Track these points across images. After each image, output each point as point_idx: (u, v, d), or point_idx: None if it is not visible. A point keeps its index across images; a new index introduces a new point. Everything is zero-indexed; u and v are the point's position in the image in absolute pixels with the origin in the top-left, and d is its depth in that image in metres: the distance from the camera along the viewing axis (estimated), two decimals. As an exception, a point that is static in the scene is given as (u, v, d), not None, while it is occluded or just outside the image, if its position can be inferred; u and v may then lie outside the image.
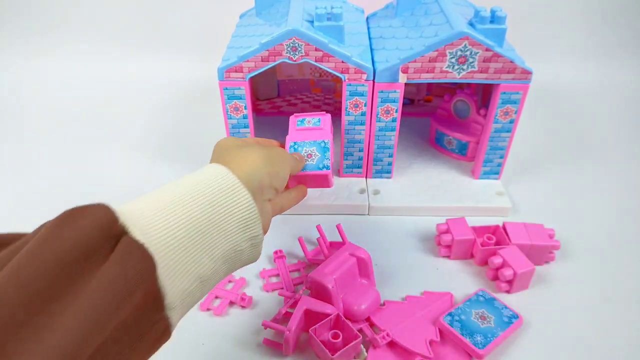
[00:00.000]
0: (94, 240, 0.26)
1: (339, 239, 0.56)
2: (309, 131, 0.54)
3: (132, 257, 0.27)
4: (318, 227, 0.56)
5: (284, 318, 0.47)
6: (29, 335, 0.22)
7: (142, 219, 0.29)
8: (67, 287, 0.24)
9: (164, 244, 0.29)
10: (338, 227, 0.56)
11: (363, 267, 0.50)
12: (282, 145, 0.52)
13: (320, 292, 0.47)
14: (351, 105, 0.58)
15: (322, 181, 0.53)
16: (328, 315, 0.45)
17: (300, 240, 0.56)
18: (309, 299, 0.46)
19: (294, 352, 0.45)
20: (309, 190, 0.54)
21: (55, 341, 0.22)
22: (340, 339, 0.43)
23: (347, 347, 0.42)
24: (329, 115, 0.56)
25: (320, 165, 0.51)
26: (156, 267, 0.28)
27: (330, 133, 0.54)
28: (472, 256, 0.56)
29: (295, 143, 0.53)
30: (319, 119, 0.56)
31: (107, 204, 0.28)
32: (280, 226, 0.59)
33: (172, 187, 0.33)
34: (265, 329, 0.47)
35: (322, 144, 0.53)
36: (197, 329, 0.48)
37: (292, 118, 0.56)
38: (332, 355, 0.42)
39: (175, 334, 0.48)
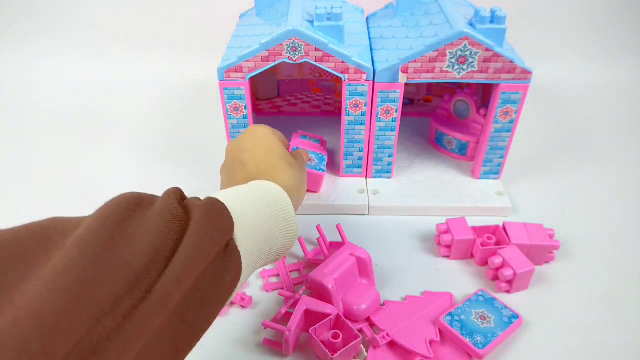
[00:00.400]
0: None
1: (339, 239, 0.56)
2: (310, 144, 0.65)
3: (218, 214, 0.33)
4: (318, 227, 0.56)
5: (284, 318, 0.47)
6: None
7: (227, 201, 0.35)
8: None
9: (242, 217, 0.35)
10: (338, 227, 0.56)
11: (363, 267, 0.50)
12: (306, 154, 0.54)
13: (321, 292, 0.47)
14: (351, 105, 0.58)
15: (315, 182, 0.62)
16: (328, 315, 0.45)
17: (300, 240, 0.56)
18: (309, 299, 0.46)
19: (293, 352, 0.45)
20: (309, 192, 0.60)
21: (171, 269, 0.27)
22: (340, 339, 0.43)
23: (347, 347, 0.42)
24: (325, 142, 0.68)
25: (318, 168, 0.61)
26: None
27: (326, 152, 0.66)
28: (472, 256, 0.56)
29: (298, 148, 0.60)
30: (319, 139, 0.67)
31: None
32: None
33: (242, 191, 0.39)
34: (265, 328, 0.47)
35: (321, 156, 0.64)
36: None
37: (295, 134, 0.66)
38: (332, 355, 0.42)
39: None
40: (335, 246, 0.55)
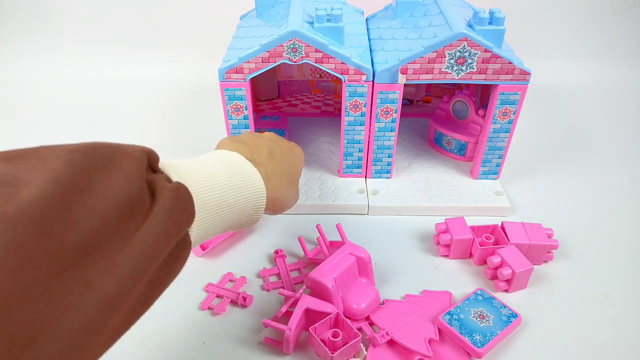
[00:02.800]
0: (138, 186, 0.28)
1: (339, 239, 0.56)
2: (270, 123, 0.75)
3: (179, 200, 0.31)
4: (318, 227, 0.56)
5: (285, 317, 0.48)
6: (104, 260, 0.24)
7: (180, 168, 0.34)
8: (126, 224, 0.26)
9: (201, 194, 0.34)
10: (338, 226, 0.56)
11: (362, 267, 0.50)
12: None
13: (320, 291, 0.47)
14: (351, 106, 0.59)
15: None
16: (328, 314, 0.45)
17: (300, 239, 0.56)
18: (309, 298, 0.46)
19: (294, 350, 0.46)
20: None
21: (124, 266, 0.25)
22: (340, 338, 0.44)
23: (346, 345, 0.42)
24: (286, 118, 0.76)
25: None
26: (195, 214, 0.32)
27: (286, 127, 0.74)
28: (471, 255, 0.56)
29: None
30: (278, 117, 0.76)
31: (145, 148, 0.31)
32: (281, 226, 0.60)
33: (208, 160, 0.38)
34: (266, 327, 0.47)
35: (281, 131, 0.72)
36: (198, 328, 0.48)
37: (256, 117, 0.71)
38: (332, 353, 0.42)
39: (176, 332, 0.48)
40: (335, 245, 0.55)
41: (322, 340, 0.43)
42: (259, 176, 0.40)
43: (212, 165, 0.37)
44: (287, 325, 0.44)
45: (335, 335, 0.44)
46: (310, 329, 0.44)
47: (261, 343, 0.47)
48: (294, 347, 0.45)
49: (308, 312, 0.46)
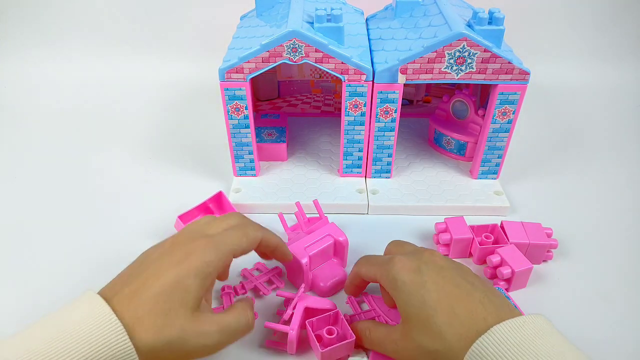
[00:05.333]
0: None
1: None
2: (271, 121, 0.74)
3: None
4: (297, 204, 0.58)
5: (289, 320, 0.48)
6: None
7: None
8: None
9: None
10: (315, 202, 0.58)
11: (339, 249, 0.53)
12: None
13: (293, 265, 0.50)
14: (351, 106, 0.59)
15: (278, 153, 0.69)
16: (327, 310, 0.45)
17: (280, 215, 0.58)
18: (308, 297, 0.47)
19: (297, 350, 0.45)
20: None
21: None
22: (334, 335, 0.43)
23: (338, 344, 0.42)
24: (286, 116, 0.76)
25: (279, 140, 0.69)
26: None
27: (286, 124, 0.74)
28: (470, 255, 0.56)
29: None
30: (278, 115, 0.76)
31: None
32: (281, 227, 0.60)
33: (44, 329, 0.33)
34: (268, 328, 0.47)
35: (281, 129, 0.72)
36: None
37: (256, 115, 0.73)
38: (322, 350, 0.42)
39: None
40: (313, 221, 0.57)
41: (317, 336, 0.44)
42: (118, 330, 0.33)
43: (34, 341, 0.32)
44: (289, 326, 0.44)
45: (330, 332, 0.44)
46: (307, 322, 0.44)
47: (263, 345, 0.46)
48: (297, 347, 0.45)
49: (308, 310, 0.46)
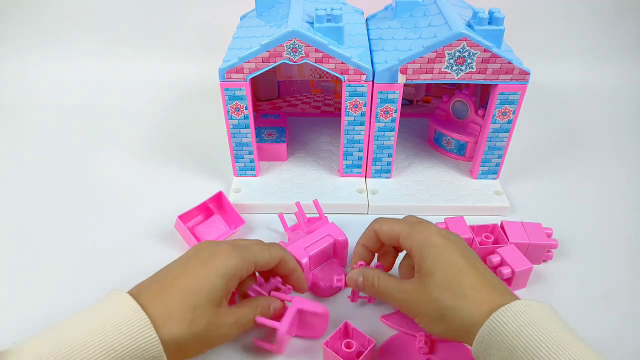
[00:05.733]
0: None
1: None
2: (271, 120, 0.74)
3: None
4: (297, 204, 0.58)
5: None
6: None
7: None
8: None
9: None
10: (315, 202, 0.58)
11: (340, 249, 0.52)
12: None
13: None
14: (351, 106, 0.59)
15: (278, 153, 0.69)
16: (319, 314, 0.44)
17: (280, 216, 0.58)
18: (302, 300, 0.45)
19: (284, 352, 0.45)
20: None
21: None
22: (354, 348, 0.43)
23: (363, 354, 0.42)
24: (286, 115, 0.76)
25: (279, 140, 0.69)
26: None
27: (286, 124, 0.74)
28: (470, 255, 0.56)
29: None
30: (279, 115, 0.76)
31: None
32: (280, 228, 0.60)
33: (75, 324, 0.35)
34: (258, 326, 0.45)
35: (281, 129, 0.72)
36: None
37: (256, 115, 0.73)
38: None
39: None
40: (313, 221, 0.57)
41: (337, 352, 0.42)
42: (143, 322, 0.36)
43: (73, 331, 0.35)
44: (280, 323, 0.43)
45: (348, 345, 0.43)
46: (322, 345, 0.43)
47: (251, 344, 0.46)
48: (285, 347, 0.45)
49: (300, 312, 0.45)
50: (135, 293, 0.38)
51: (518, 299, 0.38)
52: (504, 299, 0.37)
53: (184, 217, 0.57)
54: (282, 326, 0.42)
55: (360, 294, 0.47)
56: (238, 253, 0.42)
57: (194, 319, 0.38)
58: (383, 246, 0.47)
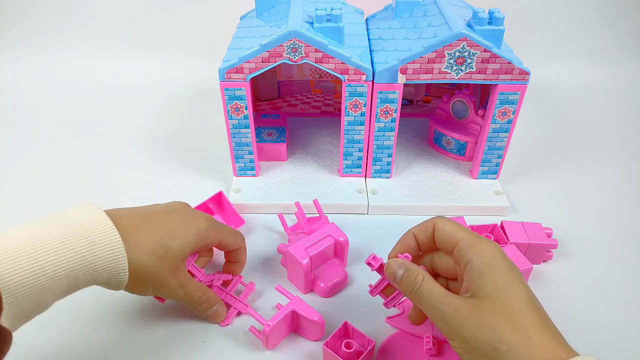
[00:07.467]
0: None
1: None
2: (271, 120, 0.75)
3: None
4: (297, 204, 0.57)
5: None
6: None
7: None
8: None
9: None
10: (315, 202, 0.58)
11: (339, 250, 0.52)
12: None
13: (294, 265, 0.50)
14: (351, 106, 0.59)
15: (278, 153, 0.69)
16: (313, 322, 0.44)
17: (280, 216, 0.58)
18: (300, 302, 0.45)
19: (273, 348, 0.45)
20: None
21: None
22: (354, 349, 0.43)
23: (363, 355, 0.42)
24: (286, 115, 0.76)
25: (279, 140, 0.69)
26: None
27: (286, 124, 0.74)
28: (470, 255, 0.56)
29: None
30: (279, 115, 0.76)
31: None
32: (280, 227, 0.60)
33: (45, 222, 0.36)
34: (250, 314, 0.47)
35: (281, 129, 0.72)
36: (199, 327, 0.48)
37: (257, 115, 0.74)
38: None
39: (177, 331, 0.48)
40: (312, 221, 0.57)
41: (336, 353, 0.42)
42: (110, 235, 0.36)
43: (40, 229, 0.35)
44: (268, 320, 0.43)
45: (348, 346, 0.43)
46: (322, 345, 0.43)
47: (246, 331, 0.46)
48: (274, 344, 0.45)
49: (294, 314, 0.45)
50: (117, 215, 0.39)
51: (577, 354, 0.33)
52: (569, 352, 0.33)
53: (184, 217, 0.57)
54: (268, 325, 0.43)
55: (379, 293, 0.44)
56: (214, 225, 0.46)
57: (162, 256, 0.40)
58: (429, 247, 0.42)
